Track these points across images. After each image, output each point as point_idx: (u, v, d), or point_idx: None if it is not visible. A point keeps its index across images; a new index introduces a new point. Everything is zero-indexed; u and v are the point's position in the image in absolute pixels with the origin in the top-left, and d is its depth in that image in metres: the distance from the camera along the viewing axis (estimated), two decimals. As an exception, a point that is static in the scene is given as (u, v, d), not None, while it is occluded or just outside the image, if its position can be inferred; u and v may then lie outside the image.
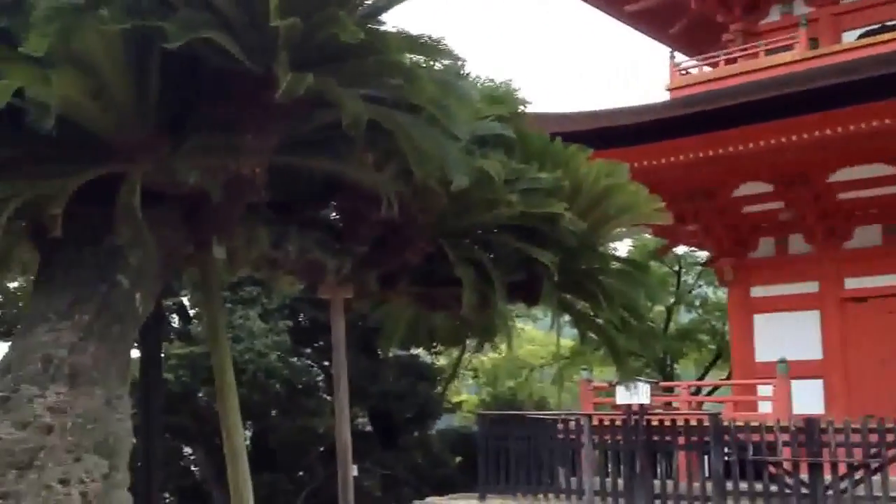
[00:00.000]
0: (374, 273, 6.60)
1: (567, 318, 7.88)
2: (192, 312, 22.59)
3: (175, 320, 22.92)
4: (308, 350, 24.89)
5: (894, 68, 15.14)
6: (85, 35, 4.01)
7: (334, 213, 6.49)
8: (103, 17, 3.94)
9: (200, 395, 21.29)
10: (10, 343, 4.97)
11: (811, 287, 19.34)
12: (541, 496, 19.73)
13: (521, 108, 6.93)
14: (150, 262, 5.03)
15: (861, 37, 19.64)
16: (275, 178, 5.72)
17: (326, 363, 24.66)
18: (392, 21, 4.83)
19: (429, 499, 21.25)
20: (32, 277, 5.51)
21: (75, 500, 4.16)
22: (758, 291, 20.18)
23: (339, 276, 6.49)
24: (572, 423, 19.71)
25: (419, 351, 26.25)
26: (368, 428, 26.62)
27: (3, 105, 3.95)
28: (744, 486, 17.10)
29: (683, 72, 20.85)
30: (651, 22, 23.61)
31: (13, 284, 19.29)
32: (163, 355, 15.49)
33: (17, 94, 4.00)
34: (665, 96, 20.42)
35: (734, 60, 20.19)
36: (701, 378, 36.61)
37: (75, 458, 4.22)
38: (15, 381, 4.28)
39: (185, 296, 21.78)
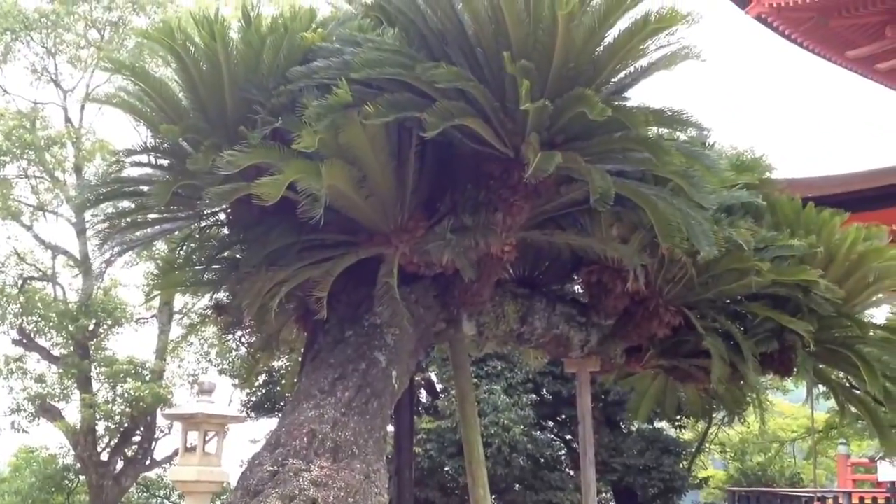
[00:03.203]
0: (620, 346, 6.57)
1: (821, 389, 7.52)
2: (439, 387, 23.15)
3: (423, 395, 23.54)
4: (551, 424, 24.84)
5: None
6: (351, 129, 4.32)
7: (580, 288, 6.54)
8: (368, 112, 4.22)
9: (447, 468, 21.63)
10: (277, 419, 5.28)
11: None
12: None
13: (769, 174, 6.75)
14: (405, 339, 5.26)
15: None
16: (522, 255, 5.89)
17: (569, 437, 24.50)
18: (635, 95, 4.90)
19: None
20: (297, 356, 5.87)
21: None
22: None
23: (584, 350, 6.51)
24: (830, 501, 18.54)
25: (663, 424, 25.65)
26: (612, 503, 26.16)
27: (277, 198, 4.30)
28: None
29: (943, 127, 19.65)
30: (906, 78, 22.48)
31: (278, 363, 20.48)
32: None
33: (289, 187, 4.35)
34: (914, 154, 19.31)
35: None
36: (975, 454, 33.75)
37: (339, 530, 4.40)
38: (283, 456, 4.53)
39: (432, 371, 22.34)
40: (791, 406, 36.74)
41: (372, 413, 4.86)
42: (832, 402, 8.73)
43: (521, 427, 20.75)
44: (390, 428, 7.05)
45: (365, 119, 4.26)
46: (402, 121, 4.46)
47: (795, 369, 6.71)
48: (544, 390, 22.75)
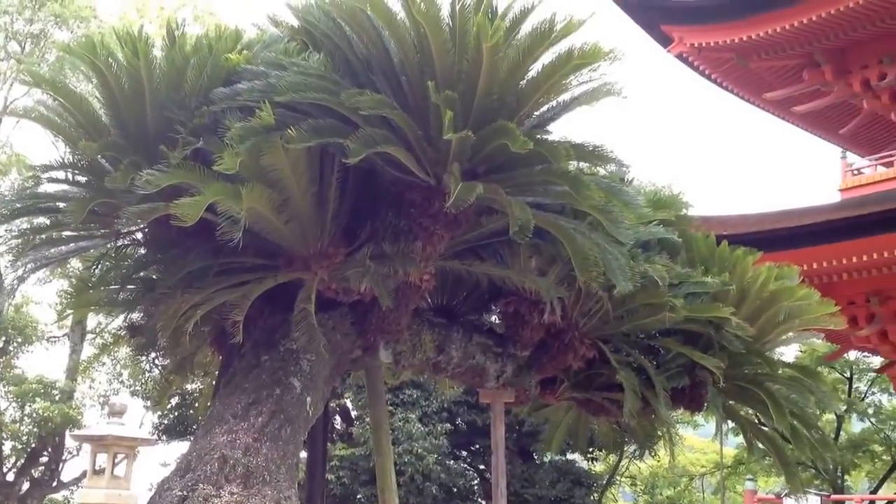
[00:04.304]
0: (535, 377, 6.61)
1: (731, 425, 7.66)
2: (354, 414, 23.00)
3: (338, 421, 23.36)
4: (465, 453, 24.85)
5: None
6: (273, 153, 4.29)
7: (497, 318, 6.57)
8: (291, 137, 4.20)
9: (359, 496, 21.47)
10: (189, 443, 5.20)
11: None
12: None
13: (686, 211, 6.89)
14: (321, 366, 5.22)
15: None
16: (441, 284, 5.90)
17: (483, 467, 24.51)
18: (557, 129, 4.98)
19: None
20: (211, 380, 5.78)
21: None
22: (939, 400, 19.07)
23: (500, 381, 6.53)
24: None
25: (576, 456, 25.83)
26: (524, 534, 26.22)
27: (196, 219, 4.24)
28: None
29: (856, 172, 20.24)
30: (821, 123, 23.09)
31: (192, 386, 20.12)
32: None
33: (209, 209, 4.30)
34: (836, 197, 19.86)
35: (911, 160, 19.52)
36: (874, 491, 34.52)
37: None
38: (193, 481, 4.47)
39: (348, 398, 22.18)
40: (701, 441, 37.36)
41: (285, 439, 4.83)
42: (741, 438, 8.88)
43: (435, 456, 20.72)
44: (303, 454, 6.98)
45: (287, 143, 4.24)
46: (324, 146, 4.45)
47: (706, 404, 6.82)
48: (459, 420, 22.74)
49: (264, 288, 4.91)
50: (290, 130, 4.20)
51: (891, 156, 20.15)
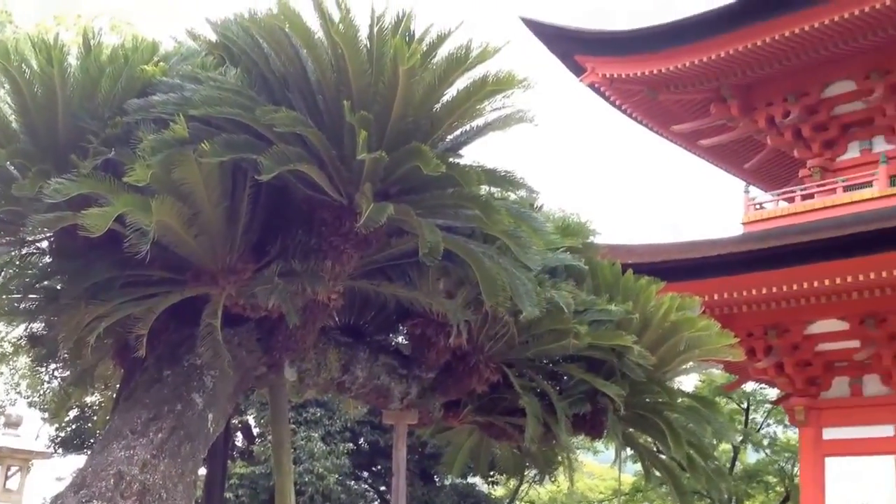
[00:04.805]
0: (439, 400, 6.65)
1: (630, 452, 7.80)
2: (256, 431, 22.73)
3: (239, 438, 23.05)
4: (366, 474, 24.76)
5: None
6: (185, 166, 4.27)
7: (404, 339, 6.60)
8: (204, 151, 4.19)
9: (259, 515, 21.21)
10: (85, 457, 5.11)
11: (886, 431, 18.75)
12: None
13: (593, 239, 7.02)
14: (224, 382, 5.17)
15: (946, 175, 19.54)
16: (349, 303, 5.90)
17: (383, 488, 24.44)
18: (470, 154, 5.05)
19: None
20: (112, 393, 5.68)
21: None
22: (831, 433, 19.59)
23: (404, 402, 6.55)
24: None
25: (477, 479, 25.92)
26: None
27: (104, 230, 4.19)
28: None
29: (758, 206, 20.79)
30: (726, 157, 23.71)
31: (92, 399, 19.65)
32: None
33: (117, 220, 4.25)
34: (739, 230, 20.43)
35: (811, 196, 20.08)
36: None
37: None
38: (87, 498, 4.40)
39: (251, 415, 21.92)
40: (600, 467, 37.82)
41: (184, 456, 4.77)
42: (640, 466, 9.03)
43: (336, 476, 20.59)
44: (202, 471, 6.89)
45: (200, 157, 4.23)
46: (238, 161, 4.44)
47: (606, 431, 6.92)
48: (362, 440, 22.68)
49: (170, 302, 4.85)
50: (203, 144, 4.18)
51: (792, 192, 20.78)
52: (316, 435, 20.62)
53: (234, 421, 20.10)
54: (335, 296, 5.18)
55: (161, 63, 4.75)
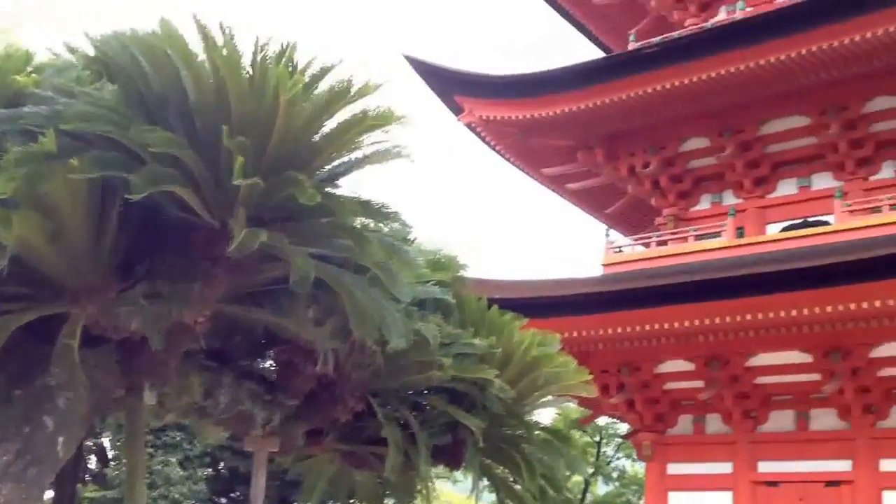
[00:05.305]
0: (302, 427, 6.62)
1: (486, 482, 7.93)
2: (111, 454, 21.96)
3: (93, 461, 22.23)
4: (224, 500, 24.25)
5: (814, 261, 15.93)
6: (52, 181, 4.15)
7: (270, 365, 6.54)
8: (73, 166, 4.09)
9: (107, 541, 20.45)
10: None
11: (725, 468, 19.55)
12: None
13: (463, 273, 7.16)
14: (78, 404, 5.00)
15: (784, 230, 20.69)
16: (215, 327, 5.82)
17: (241, 516, 24.01)
18: (347, 184, 5.08)
19: None
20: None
21: None
22: (674, 468, 20.33)
23: (266, 429, 6.49)
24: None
25: (334, 507, 25.81)
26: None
27: (-41, 242, 4.03)
28: None
29: (617, 249, 21.58)
30: (591, 201, 24.56)
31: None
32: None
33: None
34: (600, 271, 21.16)
35: (665, 242, 20.97)
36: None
37: None
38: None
39: (106, 437, 21.20)
40: (459, 496, 38.03)
41: (29, 481, 4.61)
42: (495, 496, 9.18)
43: (192, 502, 20.09)
44: (49, 494, 6.64)
45: (69, 173, 4.12)
46: (109, 179, 4.35)
47: (465, 462, 7.03)
48: (222, 465, 22.25)
49: (26, 319, 4.68)
50: (72, 160, 4.08)
51: (648, 237, 21.71)
52: (174, 459, 20.12)
53: (88, 443, 19.38)
54: (202, 319, 5.11)
55: (34, 74, 4.61)
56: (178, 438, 20.43)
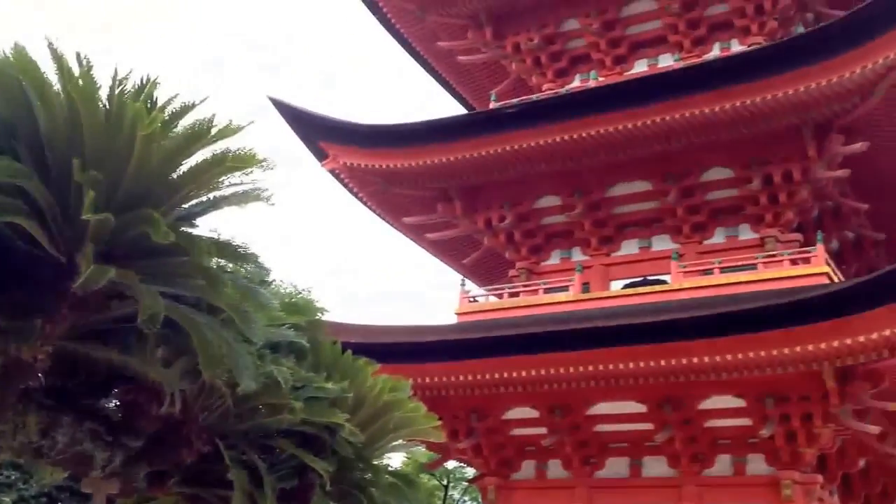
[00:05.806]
0: (145, 469, 6.43)
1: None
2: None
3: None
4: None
5: (649, 318, 16.63)
6: None
7: (114, 405, 6.35)
8: None
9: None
10: None
11: (563, 512, 20.01)
12: None
13: (320, 316, 7.15)
14: None
15: (626, 286, 21.52)
16: (57, 364, 5.61)
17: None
18: (206, 223, 5.04)
19: None
20: None
21: None
22: (518, 512, 20.66)
23: (106, 470, 6.28)
24: None
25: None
26: None
27: None
28: None
29: (472, 299, 21.94)
30: (448, 251, 24.91)
31: None
32: None
33: None
34: (454, 319, 21.43)
35: (517, 294, 21.46)
36: None
37: None
38: None
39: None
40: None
41: None
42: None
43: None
44: None
45: None
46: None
47: (312, 505, 6.98)
48: (59, 505, 21.22)
49: None
50: None
51: (501, 289, 22.23)
52: (8, 500, 19.12)
53: None
54: (42, 356, 4.94)
55: None
56: (13, 478, 19.45)
